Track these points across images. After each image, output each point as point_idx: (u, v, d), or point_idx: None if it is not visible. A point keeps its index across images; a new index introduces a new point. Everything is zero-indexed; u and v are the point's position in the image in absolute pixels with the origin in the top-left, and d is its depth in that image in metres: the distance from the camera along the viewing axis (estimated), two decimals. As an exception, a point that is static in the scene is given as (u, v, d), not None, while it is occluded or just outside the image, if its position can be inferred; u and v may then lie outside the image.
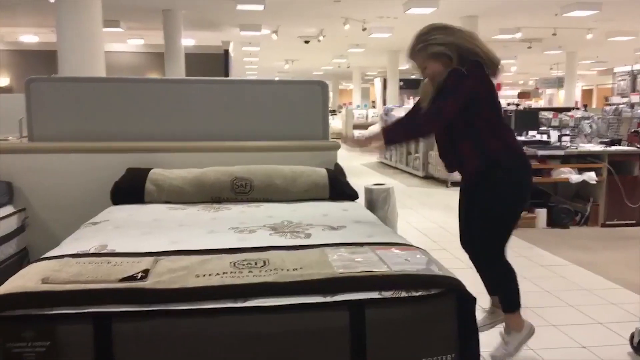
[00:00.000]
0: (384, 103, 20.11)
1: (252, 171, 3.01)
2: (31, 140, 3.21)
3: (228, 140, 3.37)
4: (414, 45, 2.50)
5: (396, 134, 2.47)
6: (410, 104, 12.47)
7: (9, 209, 2.97)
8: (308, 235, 2.12)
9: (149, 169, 3.04)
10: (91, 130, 3.27)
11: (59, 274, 1.55)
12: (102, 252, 1.85)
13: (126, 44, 14.74)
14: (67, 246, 1.99)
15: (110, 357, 1.44)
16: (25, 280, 1.54)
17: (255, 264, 1.71)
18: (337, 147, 3.47)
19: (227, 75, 14.64)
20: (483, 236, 2.53)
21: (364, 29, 12.46)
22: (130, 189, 2.92)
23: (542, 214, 5.74)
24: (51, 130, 3.21)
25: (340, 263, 1.71)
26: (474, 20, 11.43)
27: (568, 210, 5.76)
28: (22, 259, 3.03)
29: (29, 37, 12.81)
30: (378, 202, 3.13)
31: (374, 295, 1.55)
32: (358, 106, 19.00)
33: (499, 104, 2.46)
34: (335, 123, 17.05)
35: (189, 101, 3.41)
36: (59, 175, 3.16)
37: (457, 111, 2.30)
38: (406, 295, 1.55)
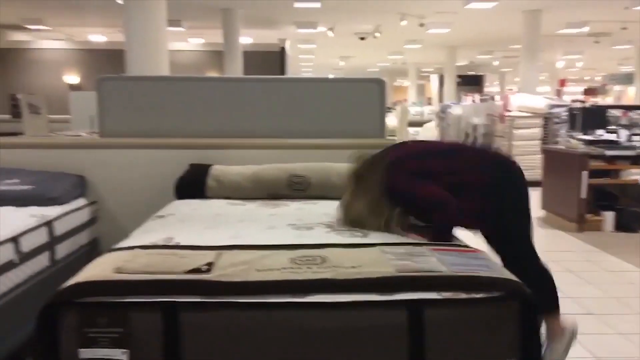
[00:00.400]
0: (441, 100, 19.77)
1: (309, 169, 3.05)
2: (102, 136, 3.39)
3: (285, 137, 3.43)
4: None
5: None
6: (468, 100, 12.18)
7: (81, 202, 3.15)
8: (365, 234, 2.13)
9: (210, 165, 3.15)
10: (157, 127, 3.41)
11: (131, 264, 1.64)
12: (169, 244, 1.94)
13: (187, 42, 15.22)
14: (136, 238, 2.10)
15: (178, 344, 1.51)
16: (100, 269, 1.64)
17: (314, 260, 1.74)
18: (394, 145, 3.45)
19: (283, 72, 14.83)
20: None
21: (422, 25, 12.28)
22: (193, 184, 3.03)
23: (609, 217, 5.49)
24: (120, 127, 3.38)
25: (399, 262, 1.72)
26: (538, 15, 11.02)
27: (637, 213, 5.47)
28: (93, 249, 3.20)
29: (98, 37, 13.46)
30: None
31: (433, 295, 1.54)
32: (414, 103, 18.75)
33: None
34: (390, 120, 16.90)
35: (247, 99, 3.50)
36: (127, 170, 3.33)
37: None
38: (466, 297, 1.54)
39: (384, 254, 1.80)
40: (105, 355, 1.48)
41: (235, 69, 11.60)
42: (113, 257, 1.77)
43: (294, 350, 1.53)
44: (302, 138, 3.42)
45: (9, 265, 2.28)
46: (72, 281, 1.56)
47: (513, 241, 2.41)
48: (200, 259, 1.71)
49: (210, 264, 1.65)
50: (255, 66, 13.10)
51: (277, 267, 1.67)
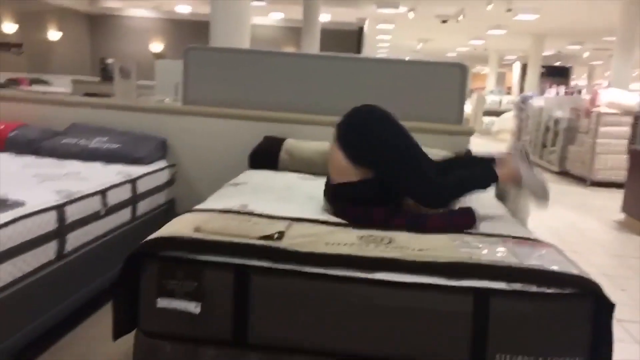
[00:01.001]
0: (521, 90, 18.91)
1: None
2: (185, 103, 3.54)
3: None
4: None
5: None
6: (551, 92, 11.58)
7: (162, 163, 3.32)
8: (435, 220, 2.11)
9: (284, 139, 3.22)
10: (236, 98, 3.52)
11: (208, 225, 1.73)
12: (243, 210, 2.02)
13: (267, 17, 15.41)
14: (213, 202, 2.20)
15: (247, 305, 1.59)
16: (181, 227, 1.74)
17: (381, 240, 1.76)
18: (471, 132, 3.37)
19: (359, 52, 14.71)
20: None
21: (509, 10, 11.73)
22: (267, 156, 3.12)
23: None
24: (202, 95, 3.51)
25: (468, 250, 1.70)
26: (638, 5, 10.21)
27: None
28: (169, 209, 3.39)
29: (184, 8, 13.91)
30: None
31: (502, 285, 1.52)
32: (492, 91, 18.07)
33: None
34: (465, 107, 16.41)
35: (324, 76, 3.52)
36: (205, 137, 3.47)
37: None
38: (537, 290, 1.50)
39: (452, 241, 1.78)
40: (180, 307, 1.58)
41: (312, 46, 11.64)
42: (192, 217, 1.87)
43: (355, 325, 1.57)
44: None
45: (96, 216, 2.46)
46: (155, 235, 1.66)
47: (402, 180, 2.03)
48: (272, 227, 1.77)
49: (281, 233, 1.71)
50: (332, 44, 13.08)
51: (345, 242, 1.71)
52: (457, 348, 1.53)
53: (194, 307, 1.58)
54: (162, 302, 1.59)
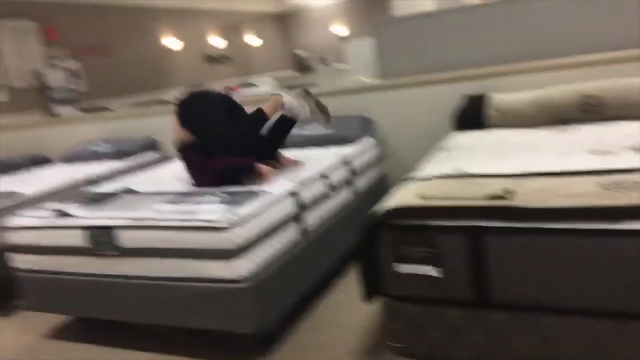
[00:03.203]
0: None
1: (604, 87, 2.73)
2: (382, 78, 3.64)
3: (572, 55, 3.11)
4: None
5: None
6: None
7: (370, 141, 3.49)
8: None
9: (488, 95, 3.09)
10: (430, 63, 3.50)
11: (432, 192, 1.78)
12: (460, 173, 2.02)
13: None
14: (425, 169, 2.24)
15: (483, 267, 1.61)
16: (406, 196, 1.83)
17: (626, 185, 1.60)
18: None
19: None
20: None
21: None
22: (471, 116, 3.04)
23: None
24: (397, 67, 3.57)
25: None
26: None
27: None
28: (383, 183, 3.55)
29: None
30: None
31: None
32: None
33: None
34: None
35: (524, 19, 3.27)
36: (406, 107, 3.53)
37: None
38: None
39: None
40: (419, 271, 1.68)
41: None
42: (413, 186, 1.95)
43: (604, 280, 1.47)
44: (591, 53, 3.05)
45: (324, 197, 2.72)
46: (382, 207, 1.78)
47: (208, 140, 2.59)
48: (497, 186, 1.74)
49: (509, 191, 1.68)
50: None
51: (582, 193, 1.60)
52: None
53: (433, 271, 1.66)
54: (402, 268, 1.70)
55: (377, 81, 3.72)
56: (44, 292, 2.55)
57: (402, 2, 5.45)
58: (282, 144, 2.86)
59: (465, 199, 1.68)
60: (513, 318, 1.62)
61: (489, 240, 1.59)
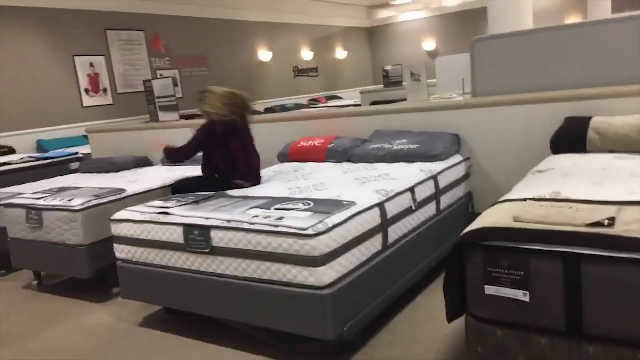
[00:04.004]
0: None
1: None
2: (474, 96, 3.58)
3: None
4: (197, 97, 3.37)
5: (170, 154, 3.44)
6: None
7: (457, 158, 3.43)
8: None
9: (590, 117, 2.95)
10: (528, 82, 3.39)
11: (527, 214, 1.73)
12: (558, 197, 1.95)
13: (541, -12, 14.20)
14: (521, 191, 2.17)
15: (579, 295, 1.54)
16: (498, 217, 1.79)
17: None
18: None
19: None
20: None
21: None
22: (571, 138, 2.91)
23: None
24: (492, 85, 3.50)
25: None
26: None
27: None
28: (468, 201, 3.48)
29: (451, 1, 13.97)
30: None
31: None
32: None
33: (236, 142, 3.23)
34: None
35: (627, 39, 3.10)
36: (498, 126, 3.44)
37: (192, 149, 3.31)
38: None
39: None
40: (508, 294, 1.63)
41: (602, 8, 10.22)
42: (507, 206, 1.90)
43: None
44: None
45: (409, 211, 2.71)
46: (476, 226, 1.75)
47: None
48: (598, 213, 1.66)
49: (612, 219, 1.60)
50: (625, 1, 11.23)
51: (694, 226, 1.49)
52: None
53: (522, 295, 1.61)
54: (490, 289, 1.66)
55: (468, 98, 3.66)
56: (138, 282, 2.74)
57: (499, 20, 5.32)
58: None
59: (563, 224, 1.61)
60: (607, 352, 1.53)
61: (586, 268, 1.52)
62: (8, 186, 4.56)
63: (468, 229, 1.77)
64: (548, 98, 3.26)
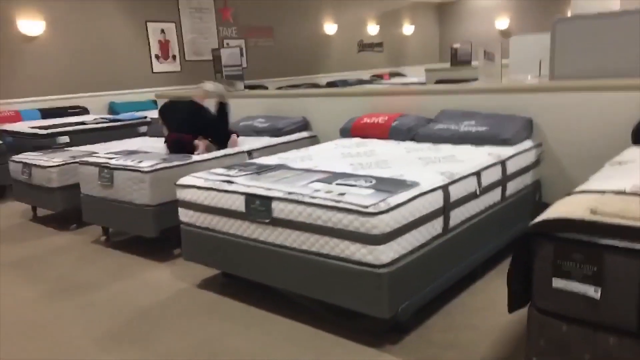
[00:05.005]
0: None
1: None
2: (552, 79, 3.39)
3: None
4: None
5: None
6: None
7: (528, 144, 3.28)
8: None
9: (679, 108, 2.73)
10: (612, 68, 3.18)
11: (606, 208, 1.63)
12: (640, 192, 1.82)
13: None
14: (599, 182, 2.05)
15: (658, 296, 1.44)
16: (572, 208, 1.70)
17: None
18: None
19: None
20: None
21: None
22: (656, 129, 2.71)
23: None
24: (572, 69, 3.30)
25: None
26: None
27: None
28: (535, 190, 3.33)
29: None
30: None
31: None
32: None
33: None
34: None
35: None
36: (575, 113, 3.25)
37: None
38: None
39: None
40: (578, 289, 1.56)
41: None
42: (582, 198, 1.80)
43: None
44: None
45: (473, 195, 2.63)
46: (548, 216, 1.67)
47: None
48: (686, 211, 1.54)
49: (701, 218, 1.48)
50: None
51: None
52: None
53: (593, 292, 1.53)
54: (558, 283, 1.59)
55: (547, 82, 3.47)
56: (200, 245, 2.82)
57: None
58: (226, 125, 3.98)
59: (644, 220, 1.51)
60: (684, 360, 1.44)
61: (669, 270, 1.42)
62: (82, 145, 4.81)
63: (539, 218, 1.69)
64: (632, 86, 3.04)
